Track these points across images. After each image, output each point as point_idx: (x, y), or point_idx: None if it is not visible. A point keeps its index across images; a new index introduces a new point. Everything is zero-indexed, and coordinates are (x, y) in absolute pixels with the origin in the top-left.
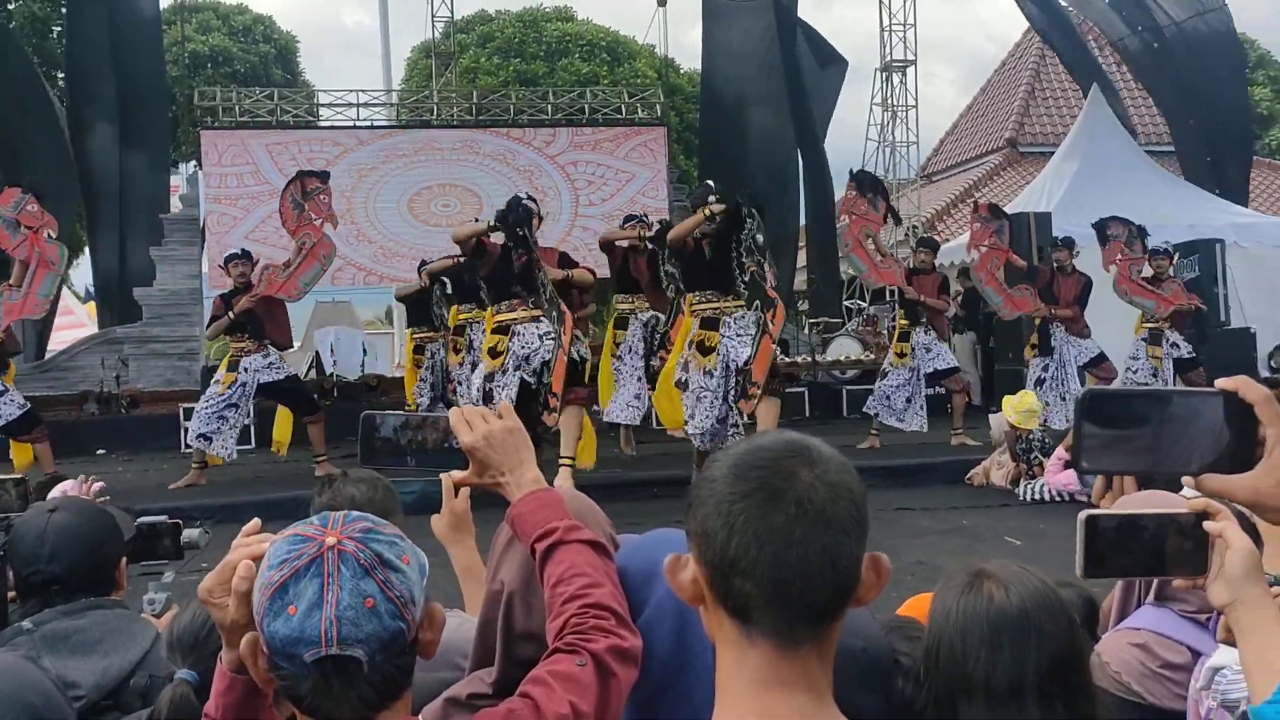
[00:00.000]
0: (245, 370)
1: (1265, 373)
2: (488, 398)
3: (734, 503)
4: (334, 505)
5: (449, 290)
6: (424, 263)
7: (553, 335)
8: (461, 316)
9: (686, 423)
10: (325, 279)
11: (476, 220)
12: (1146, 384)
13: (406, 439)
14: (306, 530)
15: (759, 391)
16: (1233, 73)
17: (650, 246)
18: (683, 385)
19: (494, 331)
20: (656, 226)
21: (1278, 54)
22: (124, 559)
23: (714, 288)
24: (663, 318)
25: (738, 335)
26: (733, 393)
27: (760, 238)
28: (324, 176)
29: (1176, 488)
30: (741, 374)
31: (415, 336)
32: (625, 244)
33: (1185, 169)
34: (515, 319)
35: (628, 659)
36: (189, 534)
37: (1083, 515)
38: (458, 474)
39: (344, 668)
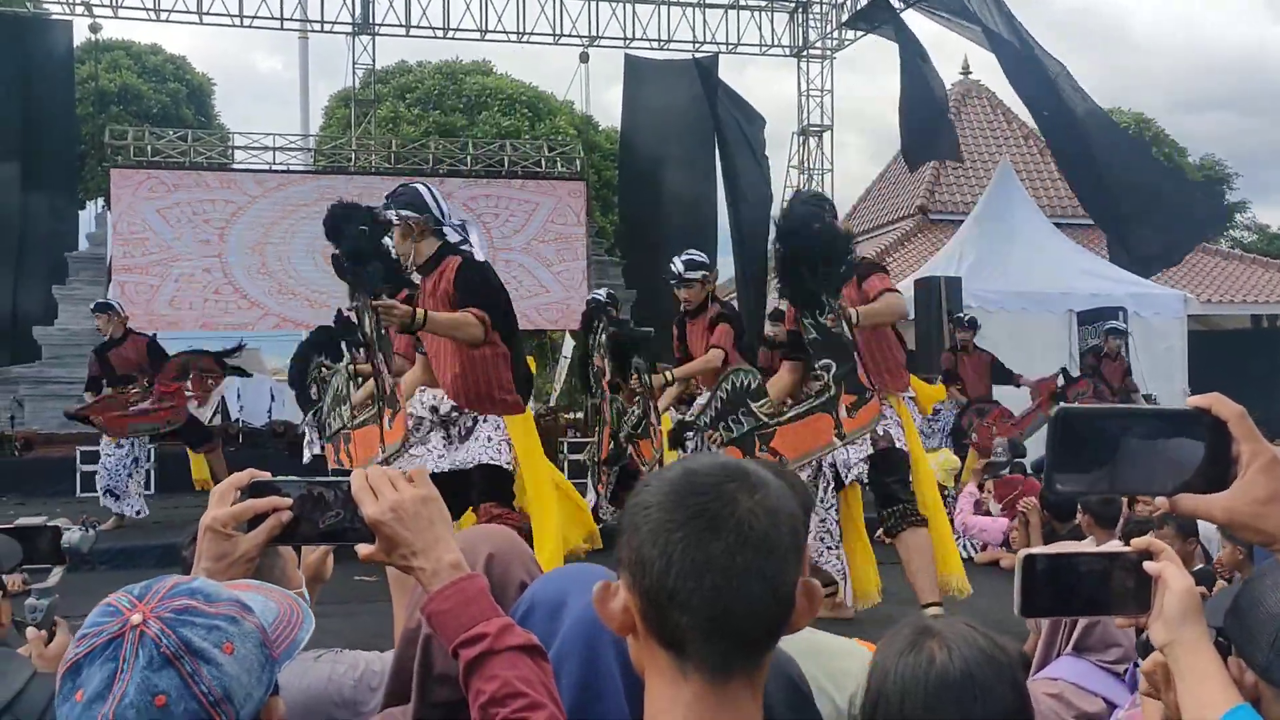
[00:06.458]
0: None
1: None
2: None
3: (671, 531)
4: (186, 566)
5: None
6: None
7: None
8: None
9: None
10: (240, 327)
11: None
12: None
13: (302, 512)
14: (120, 601)
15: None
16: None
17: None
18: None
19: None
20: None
21: (1172, 134)
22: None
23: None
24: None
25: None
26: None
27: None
28: (222, 365)
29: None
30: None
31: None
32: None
33: (1110, 242)
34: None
35: None
36: (69, 536)
37: (1021, 554)
38: (364, 549)
39: None
